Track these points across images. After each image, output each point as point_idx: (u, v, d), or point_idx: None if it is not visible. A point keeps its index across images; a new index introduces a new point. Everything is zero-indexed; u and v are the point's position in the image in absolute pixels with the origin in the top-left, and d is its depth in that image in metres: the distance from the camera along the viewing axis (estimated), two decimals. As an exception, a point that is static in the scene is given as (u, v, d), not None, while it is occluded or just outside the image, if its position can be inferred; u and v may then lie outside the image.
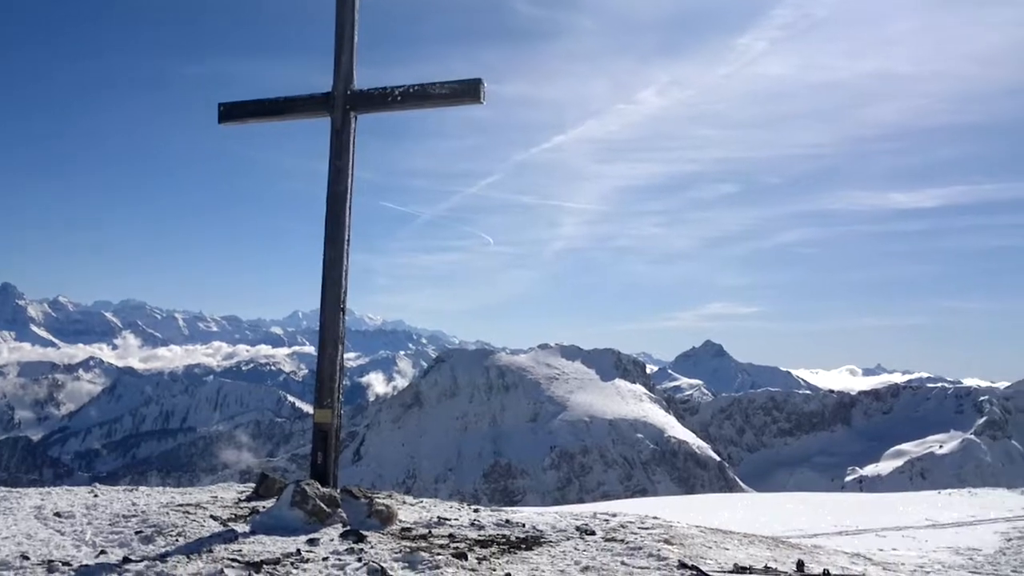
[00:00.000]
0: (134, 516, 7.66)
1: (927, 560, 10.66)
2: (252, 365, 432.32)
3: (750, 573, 6.57)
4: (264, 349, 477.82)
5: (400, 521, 7.90)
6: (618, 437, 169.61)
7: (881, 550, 11.64)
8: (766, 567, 6.92)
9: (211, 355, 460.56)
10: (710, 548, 7.71)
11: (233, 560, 5.90)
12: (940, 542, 12.84)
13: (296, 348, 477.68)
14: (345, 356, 8.72)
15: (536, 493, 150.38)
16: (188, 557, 5.96)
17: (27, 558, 5.92)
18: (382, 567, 5.74)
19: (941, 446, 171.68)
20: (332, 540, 6.77)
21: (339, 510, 7.57)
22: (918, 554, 11.38)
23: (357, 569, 5.76)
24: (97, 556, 6.10)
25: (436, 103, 8.57)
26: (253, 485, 10.01)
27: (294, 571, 5.66)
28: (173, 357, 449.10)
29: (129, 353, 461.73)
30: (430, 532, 7.47)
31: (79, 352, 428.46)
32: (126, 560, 5.89)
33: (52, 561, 5.84)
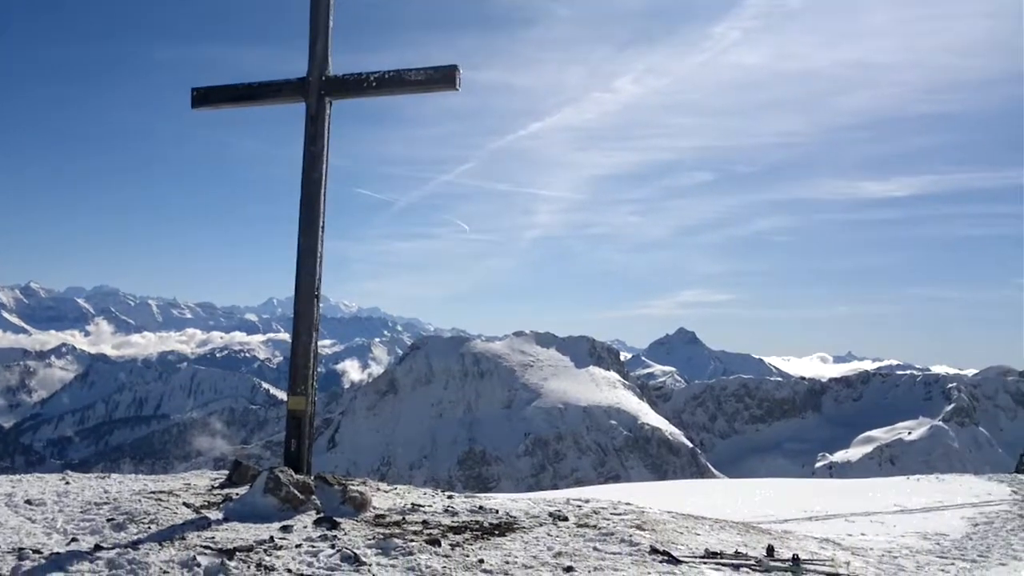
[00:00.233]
0: (106, 503, 7.62)
1: (895, 545, 10.83)
2: (226, 352, 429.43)
3: (721, 558, 6.66)
4: (239, 336, 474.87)
5: (374, 508, 7.91)
6: (592, 424, 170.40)
7: (850, 535, 11.80)
8: (736, 552, 7.01)
9: (185, 342, 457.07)
10: (681, 533, 7.80)
11: (206, 547, 5.89)
12: (908, 527, 13.02)
13: (271, 335, 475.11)
14: (320, 343, 8.70)
15: (510, 480, 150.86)
16: (160, 544, 5.94)
17: (-3, 546, 5.88)
18: (355, 554, 5.76)
19: (910, 432, 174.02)
20: (306, 527, 6.77)
21: (313, 497, 7.57)
22: (886, 539, 11.55)
23: (330, 556, 5.77)
24: (68, 543, 6.07)
25: (411, 89, 8.53)
26: (226, 472, 9.98)
27: (267, 558, 5.66)
28: (147, 344, 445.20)
29: (102, 340, 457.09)
30: (404, 519, 7.49)
31: (51, 339, 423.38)
32: (97, 547, 5.86)
33: (23, 549, 5.81)
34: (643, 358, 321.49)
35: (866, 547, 9.94)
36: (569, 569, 5.81)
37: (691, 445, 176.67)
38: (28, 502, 7.68)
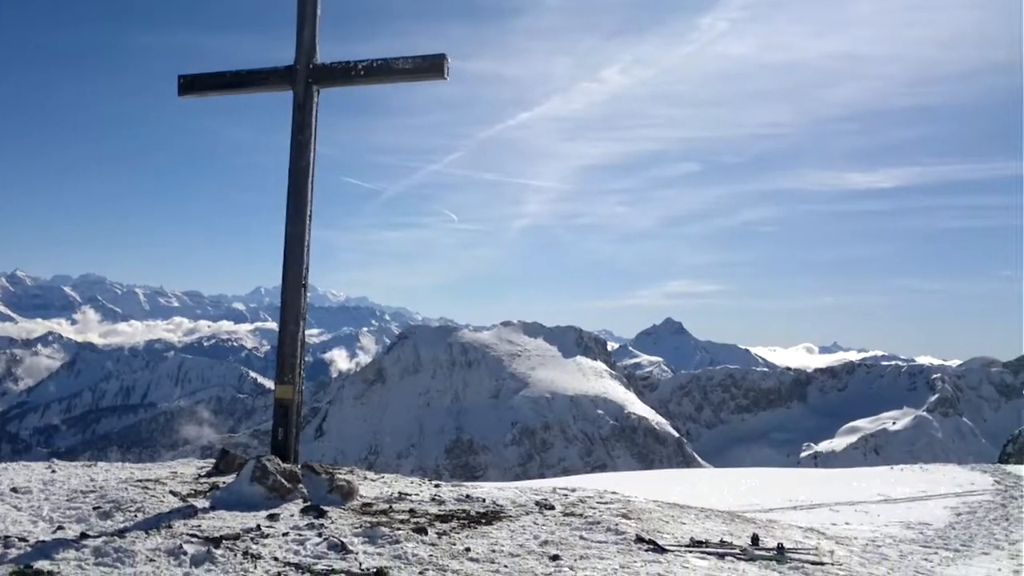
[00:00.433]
0: (92, 492, 7.60)
1: (879, 534, 10.92)
2: (214, 341, 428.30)
3: (706, 547, 6.71)
4: (226, 325, 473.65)
5: (361, 496, 7.93)
6: (579, 413, 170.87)
7: (834, 524, 11.88)
8: (722, 541, 7.06)
9: (172, 330, 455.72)
10: (667, 522, 7.85)
11: (192, 535, 5.89)
12: (892, 517, 13.12)
13: (258, 324, 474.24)
14: (308, 332, 8.69)
15: (497, 469, 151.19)
16: (147, 532, 5.94)
17: (-18, 534, 5.86)
18: (342, 542, 5.77)
19: (894, 423, 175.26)
20: (293, 515, 6.78)
21: (300, 486, 7.58)
22: (870, 528, 11.64)
23: (317, 544, 5.79)
24: (54, 532, 6.06)
25: (399, 78, 8.50)
26: (213, 461, 9.98)
27: (254, 546, 5.67)
28: (133, 332, 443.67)
29: (89, 328, 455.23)
30: (391, 507, 7.51)
31: (38, 327, 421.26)
32: (83, 536, 5.86)
33: (8, 537, 5.79)
34: (630, 348, 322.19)
35: (850, 536, 10.02)
36: (555, 557, 5.84)
37: (677, 435, 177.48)
38: (14, 490, 7.66)
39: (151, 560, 5.25)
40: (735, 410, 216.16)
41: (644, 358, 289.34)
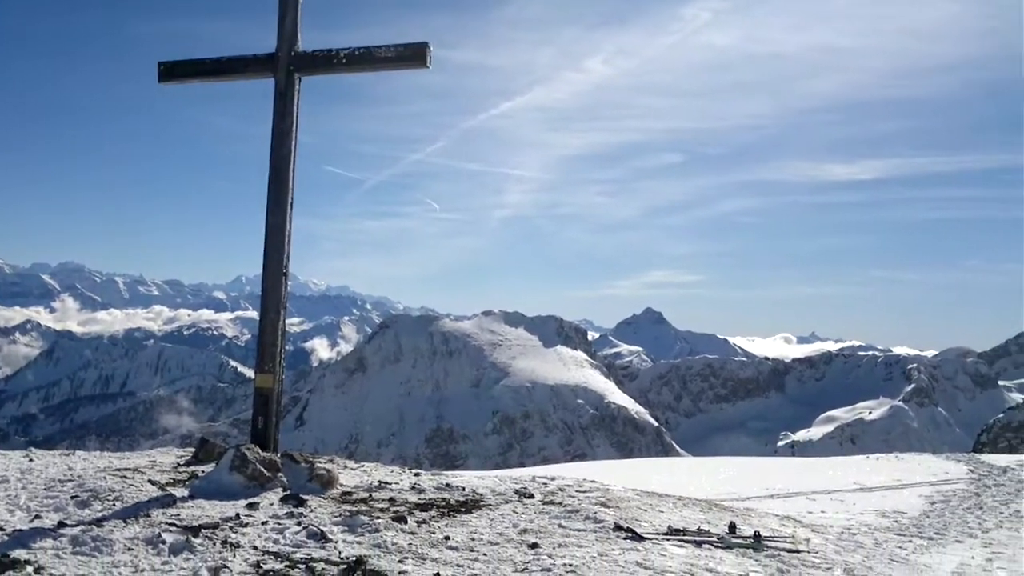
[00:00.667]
0: (70, 480, 7.56)
1: (854, 522, 11.05)
2: (194, 330, 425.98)
3: (684, 535, 6.77)
4: (206, 314, 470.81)
5: (341, 485, 7.93)
6: (559, 402, 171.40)
7: (810, 512, 12.01)
8: (699, 529, 7.13)
9: (152, 319, 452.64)
10: (645, 511, 7.92)
11: (171, 524, 5.88)
12: (867, 505, 13.27)
13: (239, 313, 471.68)
14: (288, 321, 8.68)
15: (478, 457, 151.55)
16: (125, 521, 5.92)
17: (-41, 523, 5.83)
18: (322, 530, 5.79)
19: (870, 412, 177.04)
20: (272, 504, 6.78)
21: (279, 474, 7.57)
22: (846, 516, 11.77)
23: (296, 533, 5.79)
24: (31, 520, 6.03)
25: (382, 66, 8.46)
26: (193, 450, 9.94)
27: (233, 535, 5.67)
28: (113, 321, 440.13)
29: (67, 316, 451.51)
30: (371, 496, 7.52)
31: (15, 315, 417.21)
32: (61, 524, 5.83)
33: (-15, 526, 5.76)
34: (610, 338, 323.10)
35: (826, 524, 10.14)
36: (534, 546, 5.88)
37: (656, 424, 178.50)
38: (-10, 479, 7.61)
39: (129, 549, 5.23)
40: (714, 399, 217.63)
41: (624, 348, 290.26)
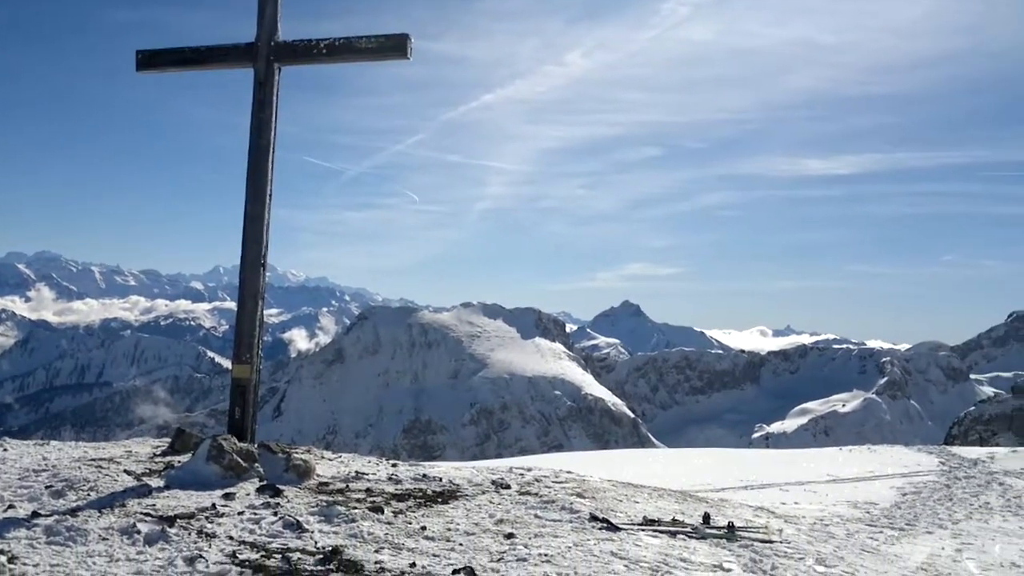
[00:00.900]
0: (44, 470, 7.51)
1: (827, 513, 11.19)
2: (171, 320, 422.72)
3: (658, 525, 6.84)
4: (183, 304, 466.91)
5: (318, 476, 7.94)
6: (536, 394, 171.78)
7: (784, 503, 12.15)
8: (674, 519, 7.20)
9: (129, 309, 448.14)
10: (621, 501, 7.99)
11: (146, 514, 5.86)
12: (840, 496, 13.44)
13: (217, 303, 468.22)
14: (267, 312, 8.64)
15: (455, 448, 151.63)
16: (100, 511, 5.90)
17: (-69, 513, 5.79)
18: (298, 521, 5.79)
19: (844, 405, 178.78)
20: (248, 494, 6.77)
21: (256, 465, 7.56)
22: (819, 507, 11.92)
23: (273, 523, 5.80)
24: (5, 510, 5.99)
25: (362, 57, 8.44)
26: (169, 440, 9.90)
27: (209, 525, 5.66)
28: (89, 311, 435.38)
29: (43, 306, 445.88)
30: (347, 486, 7.53)
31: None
32: (35, 514, 5.80)
33: (-42, 516, 5.72)
34: (588, 330, 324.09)
35: (799, 515, 10.26)
36: (510, 536, 5.92)
37: (633, 415, 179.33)
38: (-37, 469, 7.54)
39: (104, 539, 5.22)
40: (690, 391, 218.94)
41: (602, 340, 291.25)
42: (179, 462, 8.04)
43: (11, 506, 6.15)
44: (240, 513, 6.07)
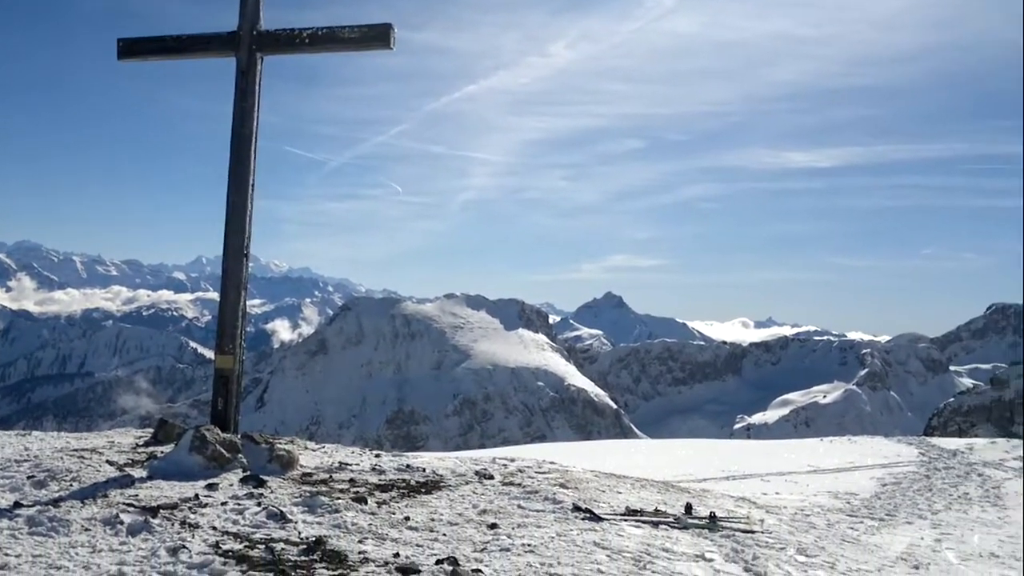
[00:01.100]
0: (26, 461, 7.46)
1: (808, 503, 11.27)
2: (153, 310, 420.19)
3: (641, 515, 6.88)
4: (166, 294, 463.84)
5: (301, 466, 7.93)
6: (519, 385, 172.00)
7: (765, 494, 12.22)
8: (656, 510, 7.25)
9: (110, 299, 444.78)
10: (603, 492, 8.02)
11: (129, 505, 5.85)
12: (820, 487, 13.53)
13: (199, 294, 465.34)
14: (249, 303, 8.62)
15: (438, 439, 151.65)
16: (82, 502, 5.88)
17: (-89, 504, 5.75)
18: (281, 511, 5.79)
19: (825, 396, 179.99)
20: (232, 485, 6.76)
21: (239, 455, 7.54)
22: (799, 498, 12.00)
23: (256, 513, 5.79)
24: (-14, 501, 5.96)
25: (345, 47, 8.40)
26: (151, 430, 9.85)
27: (192, 516, 5.65)
28: (70, 301, 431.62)
29: (24, 296, 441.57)
30: (331, 477, 7.53)
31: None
32: (17, 505, 5.77)
33: (-62, 506, 5.69)
34: (571, 321, 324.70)
35: (780, 505, 10.33)
36: (493, 526, 5.94)
37: (615, 406, 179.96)
38: (-58, 460, 7.49)
39: (87, 529, 5.21)
40: (672, 382, 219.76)
41: (584, 331, 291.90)
42: (162, 453, 8.01)
43: (-8, 497, 6.12)
44: (223, 504, 6.07)
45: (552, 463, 9.66)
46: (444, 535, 5.60)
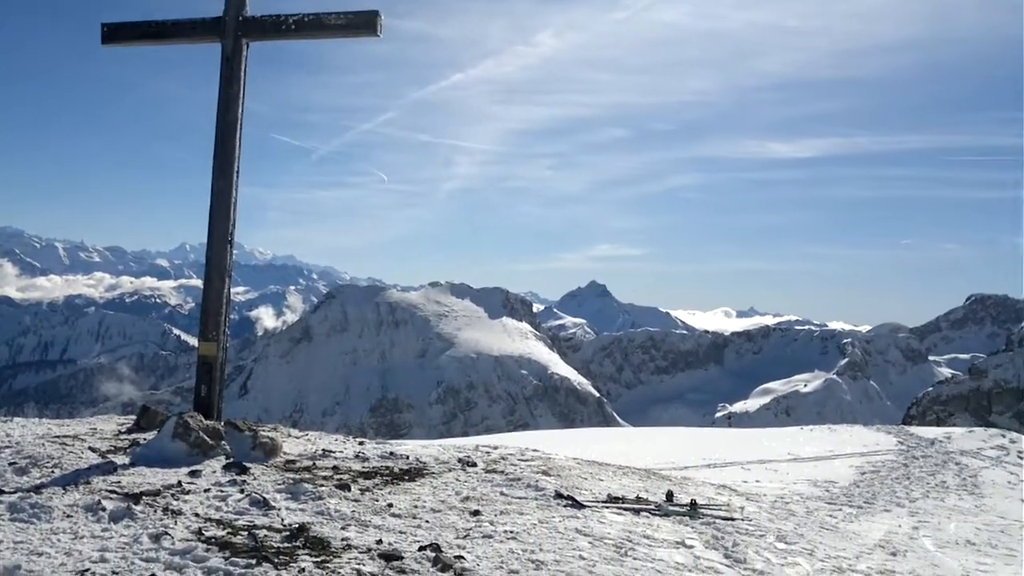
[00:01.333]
0: (8, 447, 7.42)
1: (787, 491, 11.39)
2: (136, 297, 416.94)
3: (623, 502, 6.94)
4: (149, 281, 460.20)
5: (285, 453, 7.93)
6: (503, 373, 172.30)
7: (745, 482, 12.33)
8: (638, 497, 7.32)
9: (93, 286, 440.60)
10: (586, 479, 8.08)
11: (111, 491, 5.84)
12: (800, 475, 13.67)
13: (183, 281, 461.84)
14: (233, 290, 8.59)
15: (422, 427, 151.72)
16: (64, 488, 5.86)
17: None
18: (265, 498, 5.80)
19: (806, 385, 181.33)
20: (215, 472, 6.76)
21: (223, 442, 7.53)
22: (779, 486, 12.12)
23: (239, 500, 5.80)
24: (-33, 488, 5.94)
25: (331, 34, 8.36)
26: (134, 417, 9.81)
27: (175, 503, 5.65)
28: (53, 287, 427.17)
29: (5, 282, 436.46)
30: (314, 464, 7.54)
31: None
32: (-1, 491, 5.76)
33: (-82, 493, 5.66)
34: (555, 310, 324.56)
35: (760, 493, 10.44)
36: (476, 513, 5.98)
37: (598, 394, 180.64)
38: (-78, 446, 7.44)
39: (68, 516, 5.20)
40: (654, 371, 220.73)
41: (568, 320, 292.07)
42: (144, 439, 7.99)
43: (-27, 483, 6.09)
44: (206, 490, 6.07)
45: (535, 451, 9.71)
46: (427, 522, 5.63)
